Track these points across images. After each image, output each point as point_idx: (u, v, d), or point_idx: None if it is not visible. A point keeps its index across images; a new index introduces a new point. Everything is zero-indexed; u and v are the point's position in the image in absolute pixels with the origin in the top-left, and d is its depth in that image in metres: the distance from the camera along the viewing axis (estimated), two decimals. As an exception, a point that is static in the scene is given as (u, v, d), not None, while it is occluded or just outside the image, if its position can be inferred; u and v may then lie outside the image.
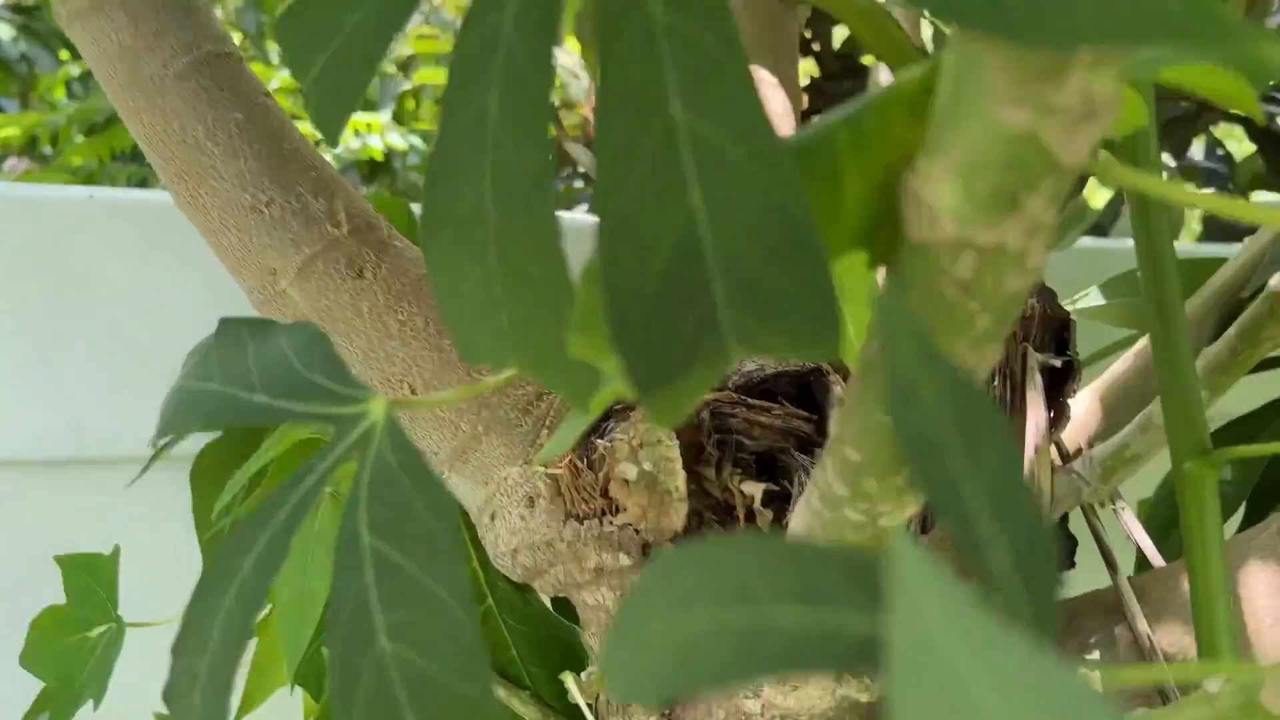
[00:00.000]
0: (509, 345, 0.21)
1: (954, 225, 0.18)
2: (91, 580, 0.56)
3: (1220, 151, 1.53)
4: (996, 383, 0.39)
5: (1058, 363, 0.41)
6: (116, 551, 0.57)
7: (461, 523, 0.51)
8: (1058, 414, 0.41)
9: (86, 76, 1.68)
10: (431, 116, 1.78)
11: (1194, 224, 1.60)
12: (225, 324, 0.30)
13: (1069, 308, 0.62)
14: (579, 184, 1.52)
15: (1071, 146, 0.16)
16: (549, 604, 0.50)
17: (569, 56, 1.67)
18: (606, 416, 0.42)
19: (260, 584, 0.28)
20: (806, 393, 0.44)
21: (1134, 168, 0.23)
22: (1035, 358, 0.40)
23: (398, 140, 1.60)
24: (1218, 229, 1.49)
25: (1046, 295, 0.43)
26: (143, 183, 1.46)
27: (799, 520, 0.29)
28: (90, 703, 0.53)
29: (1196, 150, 1.54)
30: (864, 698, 0.35)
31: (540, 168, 0.19)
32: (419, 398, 0.30)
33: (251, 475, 0.53)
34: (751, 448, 0.42)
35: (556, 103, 1.70)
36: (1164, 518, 0.67)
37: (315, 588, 0.46)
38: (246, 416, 0.29)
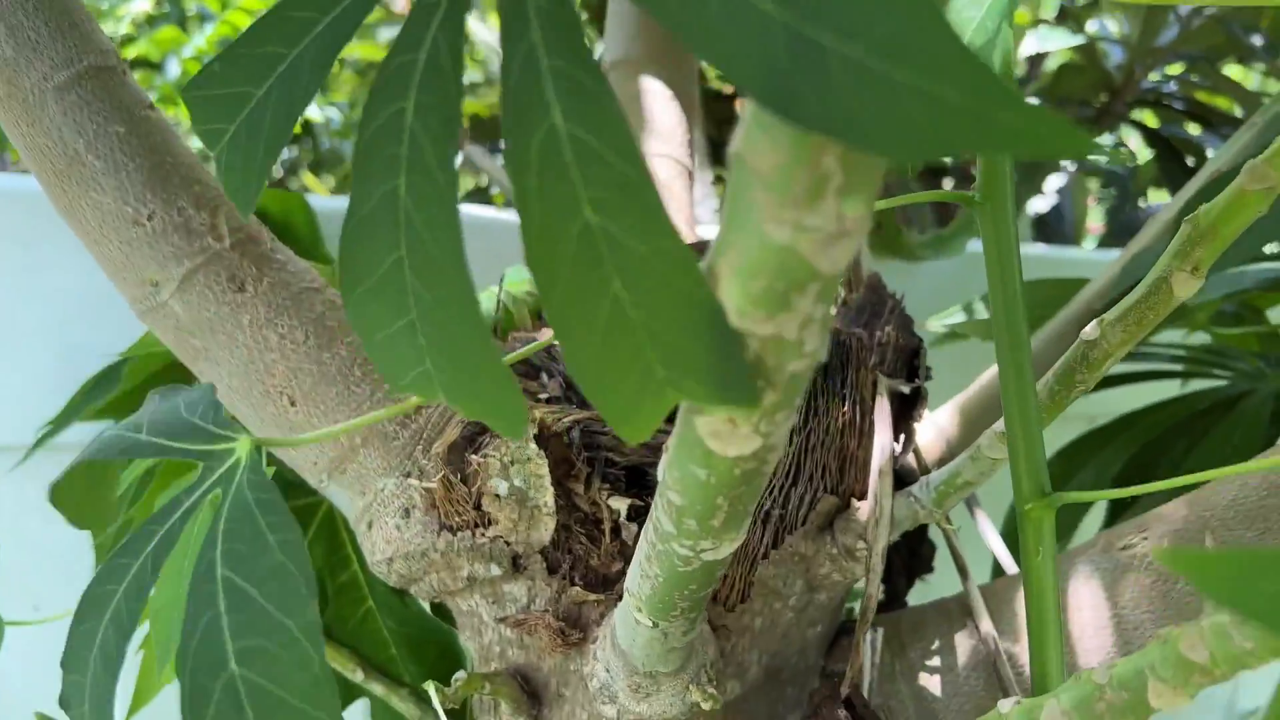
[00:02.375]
0: (436, 384, 0.23)
1: (736, 318, 0.20)
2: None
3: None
4: (847, 408, 0.41)
5: (906, 389, 0.43)
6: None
7: (342, 526, 0.52)
8: (906, 437, 0.44)
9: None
10: (350, 86, 1.76)
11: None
12: (150, 394, 0.35)
13: (937, 322, 0.65)
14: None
15: (827, 259, 0.18)
16: (427, 607, 0.52)
17: (491, 33, 1.66)
18: (482, 431, 0.44)
19: (132, 610, 0.30)
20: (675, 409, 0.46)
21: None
22: (885, 383, 0.42)
23: (315, 113, 1.58)
24: (1120, 229, 1.55)
25: (901, 322, 0.46)
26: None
27: (638, 548, 0.31)
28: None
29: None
30: (707, 705, 0.37)
31: (452, 243, 0.21)
32: (284, 437, 0.32)
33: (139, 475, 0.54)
34: (621, 463, 0.44)
35: (480, 78, 1.70)
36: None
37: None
38: (135, 451, 0.33)
